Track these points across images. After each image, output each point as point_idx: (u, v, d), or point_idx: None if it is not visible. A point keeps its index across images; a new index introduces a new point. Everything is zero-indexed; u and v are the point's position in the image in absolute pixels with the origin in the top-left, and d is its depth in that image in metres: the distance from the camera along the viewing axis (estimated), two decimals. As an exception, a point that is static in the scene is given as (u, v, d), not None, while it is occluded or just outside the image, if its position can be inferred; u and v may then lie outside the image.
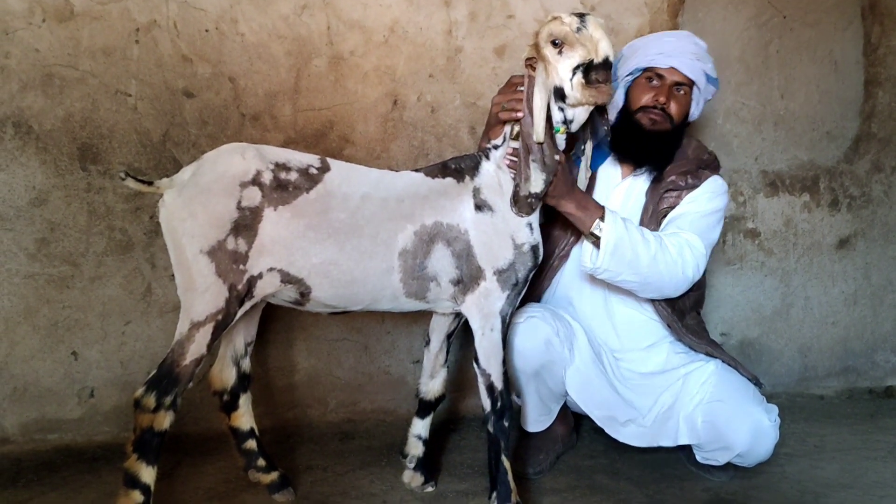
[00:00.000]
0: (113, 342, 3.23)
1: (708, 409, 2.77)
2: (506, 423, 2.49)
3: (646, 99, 2.89)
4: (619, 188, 3.02)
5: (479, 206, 2.44)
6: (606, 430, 2.94)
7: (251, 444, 2.70)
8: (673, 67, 2.85)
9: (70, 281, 3.16)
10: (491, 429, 2.49)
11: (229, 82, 3.27)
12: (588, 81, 2.21)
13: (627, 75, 2.94)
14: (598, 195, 2.97)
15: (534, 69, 2.33)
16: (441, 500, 2.75)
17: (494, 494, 2.49)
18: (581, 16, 2.23)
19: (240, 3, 3.25)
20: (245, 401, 2.68)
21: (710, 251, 2.88)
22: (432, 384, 2.82)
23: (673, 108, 2.87)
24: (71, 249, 3.15)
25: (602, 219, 2.58)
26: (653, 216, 2.90)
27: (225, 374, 2.65)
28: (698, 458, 2.89)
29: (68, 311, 3.17)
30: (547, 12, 3.51)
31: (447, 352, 2.83)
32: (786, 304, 4.04)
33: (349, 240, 2.34)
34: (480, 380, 2.51)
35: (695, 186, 2.90)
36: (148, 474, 2.29)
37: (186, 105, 3.23)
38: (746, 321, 4.04)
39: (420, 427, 2.85)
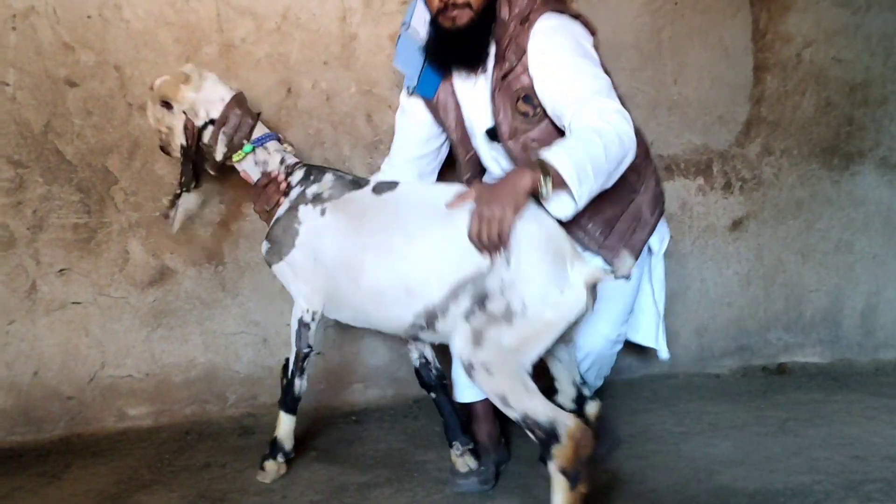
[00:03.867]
0: (-4, 343, 3.10)
1: None
2: None
3: (436, 1, 2.57)
4: (463, 98, 2.78)
5: None
6: None
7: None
8: None
9: (-52, 280, 3.03)
10: None
11: (115, 71, 3.17)
12: None
13: None
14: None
15: None
16: (341, 492, 2.72)
17: None
18: None
19: (124, -11, 3.15)
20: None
21: (615, 90, 2.51)
22: None
23: None
24: (-52, 247, 3.02)
25: (539, 168, 2.16)
26: (511, 111, 2.61)
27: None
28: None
29: (-53, 312, 3.04)
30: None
31: None
32: (682, 286, 4.10)
33: None
34: None
35: (524, 50, 2.55)
36: None
37: (69, 94, 3.12)
38: (645, 303, 4.08)
39: None
